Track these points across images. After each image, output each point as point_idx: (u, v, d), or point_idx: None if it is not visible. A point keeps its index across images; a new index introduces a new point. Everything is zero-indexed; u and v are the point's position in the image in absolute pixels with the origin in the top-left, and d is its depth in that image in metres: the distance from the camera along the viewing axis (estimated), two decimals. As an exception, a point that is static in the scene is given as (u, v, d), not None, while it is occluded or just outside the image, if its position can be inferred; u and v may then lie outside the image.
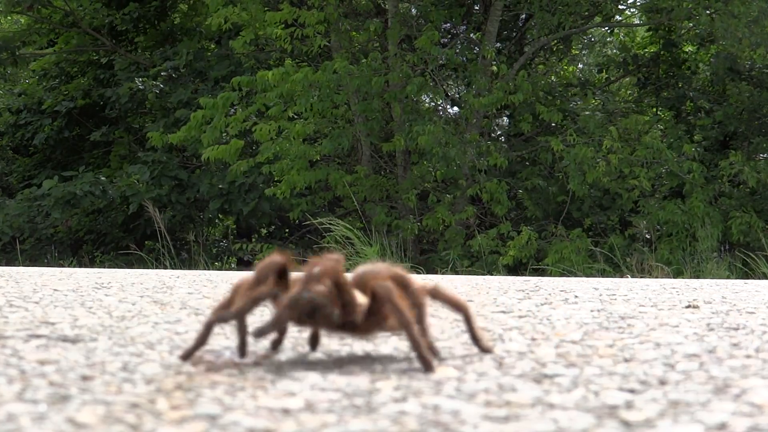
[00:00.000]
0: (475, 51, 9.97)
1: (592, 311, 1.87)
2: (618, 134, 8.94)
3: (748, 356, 1.21)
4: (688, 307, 1.97)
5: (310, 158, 9.00)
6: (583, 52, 12.00)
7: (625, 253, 8.11)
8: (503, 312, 1.83)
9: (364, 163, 9.45)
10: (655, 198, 8.90)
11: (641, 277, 6.87)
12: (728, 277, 7.47)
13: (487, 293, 2.46)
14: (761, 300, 2.27)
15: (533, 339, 1.37)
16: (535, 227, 8.93)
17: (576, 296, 2.33)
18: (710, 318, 1.73)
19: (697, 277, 7.37)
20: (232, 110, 9.30)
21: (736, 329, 1.54)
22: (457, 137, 8.86)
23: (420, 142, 8.53)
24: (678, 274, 7.54)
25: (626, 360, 1.17)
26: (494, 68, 9.59)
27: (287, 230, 10.43)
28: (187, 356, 1.13)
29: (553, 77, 10.45)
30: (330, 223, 7.79)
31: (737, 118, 9.24)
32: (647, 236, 8.94)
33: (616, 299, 2.24)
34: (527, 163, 9.60)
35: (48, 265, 8.68)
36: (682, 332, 1.48)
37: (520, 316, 1.75)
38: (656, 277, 7.34)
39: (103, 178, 9.65)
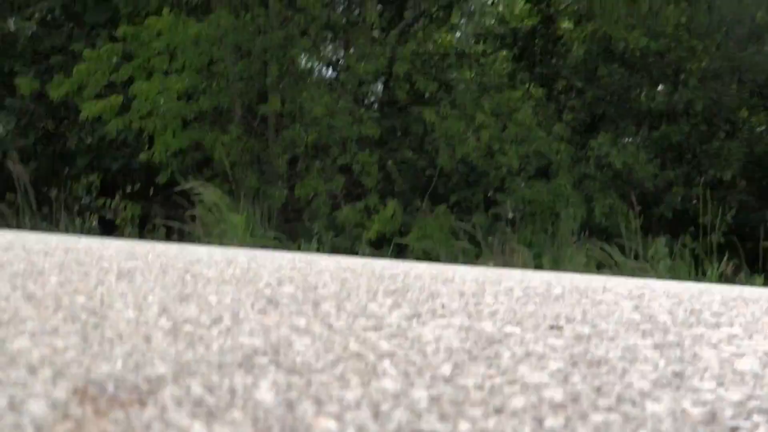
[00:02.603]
0: (356, 13, 9.95)
1: (460, 330, 1.90)
2: (490, 109, 9.04)
3: (609, 409, 1.25)
4: (552, 328, 2.02)
5: (185, 116, 8.92)
6: (462, 21, 12.04)
7: (488, 232, 8.23)
8: (374, 329, 1.85)
9: (235, 123, 9.38)
10: (521, 177, 9.02)
11: (503, 266, 6.99)
12: (586, 265, 7.64)
13: (356, 296, 2.47)
14: (619, 316, 2.34)
15: (406, 375, 1.39)
16: (402, 201, 8.97)
17: (443, 305, 2.35)
18: (573, 347, 1.77)
19: (556, 264, 7.52)
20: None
21: (599, 365, 1.58)
22: (333, 103, 8.88)
23: (315, 113, 8.54)
24: (537, 257, 7.69)
25: (497, 411, 1.20)
26: (374, 33, 9.59)
27: (152, 189, 10.26)
28: None
29: (430, 45, 10.45)
30: (200, 188, 7.73)
31: (607, 101, 9.40)
32: (510, 216, 9.07)
33: (482, 312, 2.27)
34: (399, 134, 9.62)
35: None
36: (548, 368, 1.52)
37: (392, 335, 1.77)
38: (516, 264, 7.47)
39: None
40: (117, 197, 9.24)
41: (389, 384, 1.31)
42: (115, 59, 9.09)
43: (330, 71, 10.46)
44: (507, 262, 7.48)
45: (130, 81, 8.97)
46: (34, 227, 8.04)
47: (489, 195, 9.17)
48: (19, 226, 8.06)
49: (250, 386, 1.22)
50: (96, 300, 2.05)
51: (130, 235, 8.32)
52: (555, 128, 9.05)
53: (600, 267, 7.45)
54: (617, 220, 8.49)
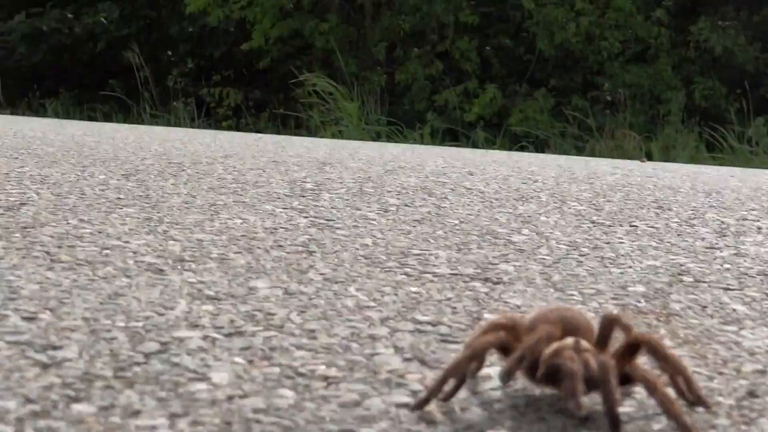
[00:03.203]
0: None
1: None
2: (589, -5, 9.07)
3: None
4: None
5: (284, 5, 9.04)
6: None
7: (587, 114, 8.30)
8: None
9: (333, 11, 9.47)
10: (619, 61, 9.06)
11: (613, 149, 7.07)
12: (696, 148, 7.70)
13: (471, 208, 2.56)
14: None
15: None
16: (500, 85, 9.05)
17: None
18: None
19: (666, 149, 7.60)
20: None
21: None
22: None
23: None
24: (646, 141, 7.75)
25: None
26: None
27: (248, 74, 10.41)
28: (420, 406, 1.01)
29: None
30: (315, 79, 7.83)
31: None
32: (609, 98, 9.13)
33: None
34: (496, 21, 9.67)
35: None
36: None
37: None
38: (627, 147, 7.55)
39: (69, 15, 9.52)
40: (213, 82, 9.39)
41: None
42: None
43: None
44: (617, 146, 7.56)
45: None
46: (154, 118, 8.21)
47: (588, 78, 9.22)
48: (139, 114, 8.24)
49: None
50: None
51: (246, 123, 8.48)
52: (654, 13, 9.05)
53: (711, 150, 7.50)
54: (717, 102, 8.53)
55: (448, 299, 1.52)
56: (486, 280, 1.64)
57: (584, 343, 0.98)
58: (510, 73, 9.35)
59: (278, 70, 9.44)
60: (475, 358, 1.00)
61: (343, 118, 7.69)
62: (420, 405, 0.99)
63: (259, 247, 1.85)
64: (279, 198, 2.58)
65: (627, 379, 0.96)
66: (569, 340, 0.97)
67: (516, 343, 1.00)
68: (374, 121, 7.79)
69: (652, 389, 0.93)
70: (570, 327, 1.00)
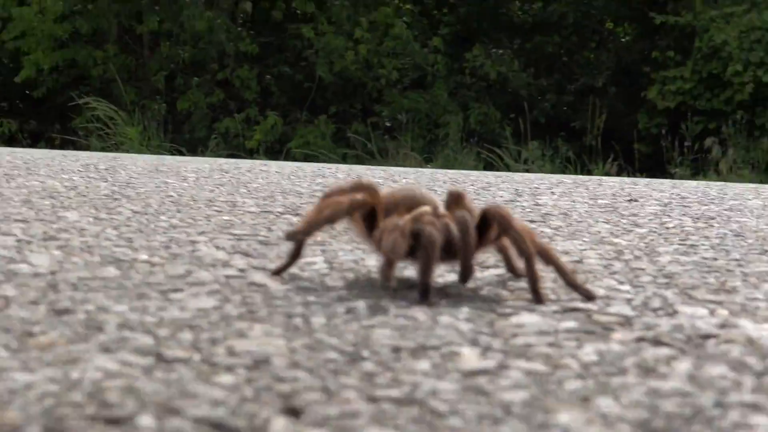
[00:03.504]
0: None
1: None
2: (367, 25, 9.22)
3: None
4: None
5: (58, 37, 8.89)
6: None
7: (369, 139, 8.41)
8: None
9: (111, 41, 9.34)
10: (398, 88, 9.22)
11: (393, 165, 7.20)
12: (476, 168, 7.92)
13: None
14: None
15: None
16: (281, 113, 9.09)
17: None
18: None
19: (449, 166, 7.78)
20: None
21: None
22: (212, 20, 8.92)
23: (199, 27, 8.58)
24: (429, 162, 7.92)
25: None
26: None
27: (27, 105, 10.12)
28: (279, 271, 1.04)
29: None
30: (93, 103, 7.67)
31: (480, 15, 9.66)
32: (388, 124, 9.27)
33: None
34: (275, 50, 9.71)
35: None
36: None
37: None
38: (411, 165, 7.70)
39: None
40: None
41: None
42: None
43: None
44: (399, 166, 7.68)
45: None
46: None
47: (368, 105, 9.35)
48: None
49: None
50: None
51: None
52: (431, 41, 9.28)
53: (489, 169, 7.71)
54: (492, 127, 8.79)
55: (262, 223, 1.52)
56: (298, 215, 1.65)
57: (442, 210, 1.00)
58: (291, 100, 9.39)
59: (55, 100, 9.23)
60: (336, 220, 0.99)
61: (125, 143, 7.56)
62: (280, 270, 1.02)
63: (62, 195, 1.81)
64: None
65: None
66: (427, 207, 0.97)
67: (379, 212, 1.00)
68: (156, 146, 7.69)
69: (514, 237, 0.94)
70: (421, 203, 1.00)
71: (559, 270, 0.96)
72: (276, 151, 8.42)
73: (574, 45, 9.37)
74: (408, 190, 1.02)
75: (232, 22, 9.52)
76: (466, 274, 0.93)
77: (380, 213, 1.00)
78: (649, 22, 8.72)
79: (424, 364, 0.72)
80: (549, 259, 0.96)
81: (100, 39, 9.51)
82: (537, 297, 0.94)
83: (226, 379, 0.67)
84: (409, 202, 0.99)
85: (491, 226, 0.97)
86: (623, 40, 9.79)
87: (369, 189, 1.01)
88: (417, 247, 0.92)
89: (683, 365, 0.74)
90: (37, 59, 8.91)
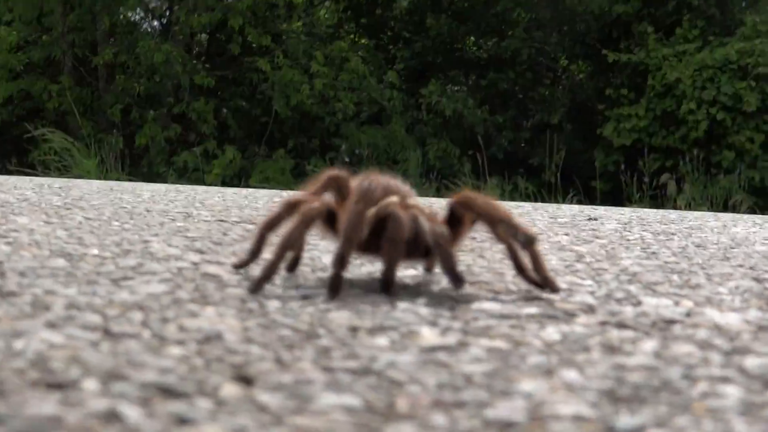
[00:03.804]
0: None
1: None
2: (323, 59, 9.22)
3: None
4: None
5: (13, 67, 8.83)
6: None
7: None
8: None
9: (66, 72, 9.28)
10: (355, 122, 9.22)
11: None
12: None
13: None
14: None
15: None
16: (239, 146, 9.06)
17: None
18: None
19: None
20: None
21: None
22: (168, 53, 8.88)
23: (156, 60, 8.55)
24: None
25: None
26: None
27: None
28: (241, 266, 1.00)
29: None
30: (49, 134, 7.63)
31: (434, 50, 9.69)
32: (346, 159, 9.27)
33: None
34: (231, 84, 9.68)
35: None
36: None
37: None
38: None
39: None
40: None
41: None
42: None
43: (159, 23, 10.45)
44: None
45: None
46: None
47: (325, 140, 9.34)
48: None
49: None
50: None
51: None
52: (386, 76, 9.29)
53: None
54: (450, 162, 8.80)
55: (216, 229, 1.50)
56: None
57: (412, 201, 0.95)
58: (248, 134, 9.35)
59: (10, 132, 9.15)
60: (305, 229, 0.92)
61: (82, 175, 7.51)
62: (256, 286, 0.88)
63: (13, 205, 1.78)
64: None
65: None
66: (393, 198, 0.91)
67: (341, 211, 0.94)
68: (114, 179, 7.65)
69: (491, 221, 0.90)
70: (391, 193, 0.94)
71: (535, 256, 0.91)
72: (235, 185, 8.39)
73: (529, 81, 9.40)
74: (378, 180, 0.97)
75: (187, 54, 9.49)
76: (457, 281, 0.85)
77: (344, 209, 0.93)
78: (603, 60, 8.79)
79: (382, 341, 0.70)
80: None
81: (54, 70, 9.45)
82: (548, 283, 0.92)
83: (176, 351, 0.64)
84: (379, 193, 0.93)
85: (462, 217, 0.93)
86: (578, 77, 9.86)
87: (339, 181, 0.98)
88: (381, 238, 0.87)
89: (649, 344, 0.72)
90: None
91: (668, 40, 8.54)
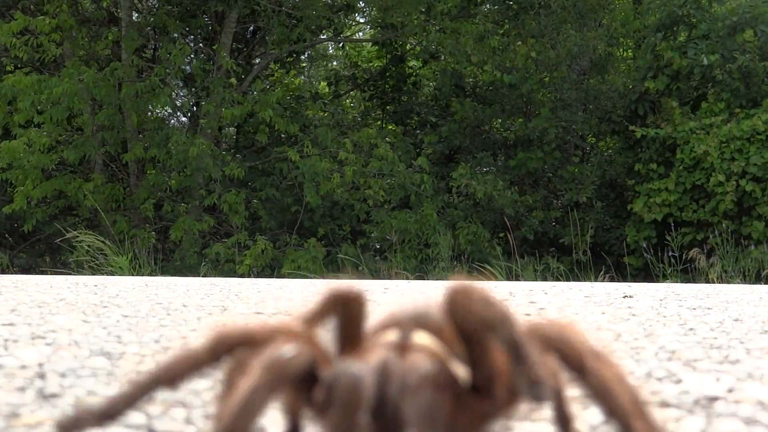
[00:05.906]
0: (210, 62, 10.08)
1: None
2: (351, 147, 9.29)
3: None
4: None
5: (46, 167, 8.91)
6: (303, 65, 12.29)
7: (359, 261, 8.41)
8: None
9: (97, 171, 9.39)
10: (385, 209, 9.24)
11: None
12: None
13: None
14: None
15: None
16: (270, 237, 9.10)
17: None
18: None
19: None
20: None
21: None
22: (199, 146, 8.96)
23: (190, 153, 8.64)
24: (420, 280, 7.91)
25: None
26: (232, 80, 9.71)
27: (16, 238, 10.09)
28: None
29: (279, 89, 10.62)
30: (82, 236, 7.69)
31: (461, 133, 9.74)
32: (378, 245, 9.29)
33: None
34: (261, 174, 9.76)
35: None
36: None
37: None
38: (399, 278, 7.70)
39: None
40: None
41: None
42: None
43: (187, 117, 10.58)
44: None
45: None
46: None
47: (355, 227, 9.37)
48: None
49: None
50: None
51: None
52: (416, 162, 9.33)
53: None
54: (481, 246, 8.80)
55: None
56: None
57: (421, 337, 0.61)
58: (279, 224, 9.40)
59: (44, 232, 9.23)
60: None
61: (116, 272, 7.55)
62: None
63: (50, 305, 1.79)
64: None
65: None
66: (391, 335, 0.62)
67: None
68: (147, 274, 7.68)
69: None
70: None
71: None
72: (267, 276, 8.41)
73: (557, 160, 9.42)
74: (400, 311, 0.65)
75: (216, 146, 9.59)
76: None
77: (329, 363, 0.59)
78: (630, 135, 8.81)
79: None
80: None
81: (86, 168, 9.56)
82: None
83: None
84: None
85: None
86: (605, 153, 9.88)
87: (349, 301, 0.64)
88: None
89: (694, 422, 0.72)
90: (27, 191, 8.92)
91: (694, 113, 8.56)
